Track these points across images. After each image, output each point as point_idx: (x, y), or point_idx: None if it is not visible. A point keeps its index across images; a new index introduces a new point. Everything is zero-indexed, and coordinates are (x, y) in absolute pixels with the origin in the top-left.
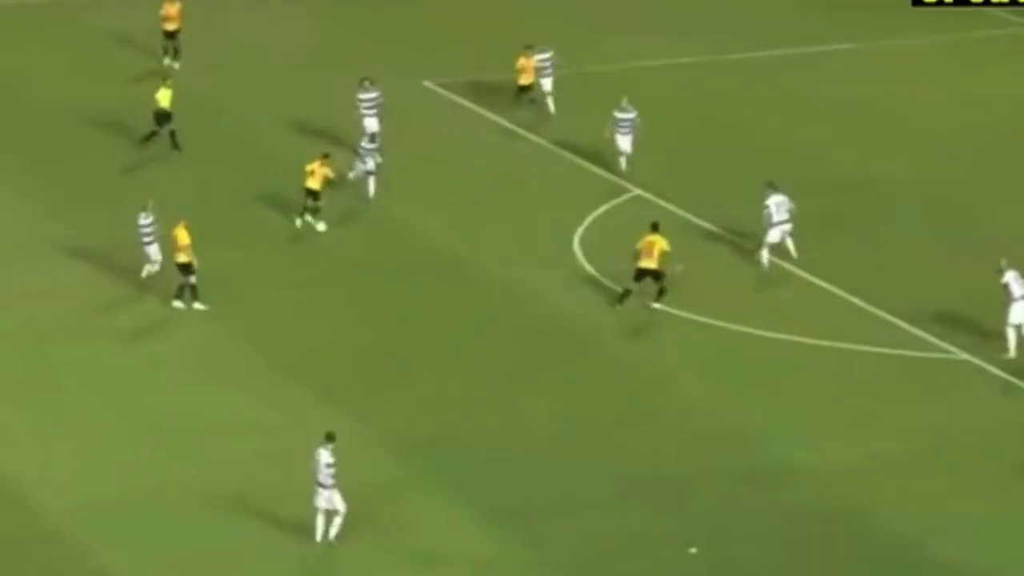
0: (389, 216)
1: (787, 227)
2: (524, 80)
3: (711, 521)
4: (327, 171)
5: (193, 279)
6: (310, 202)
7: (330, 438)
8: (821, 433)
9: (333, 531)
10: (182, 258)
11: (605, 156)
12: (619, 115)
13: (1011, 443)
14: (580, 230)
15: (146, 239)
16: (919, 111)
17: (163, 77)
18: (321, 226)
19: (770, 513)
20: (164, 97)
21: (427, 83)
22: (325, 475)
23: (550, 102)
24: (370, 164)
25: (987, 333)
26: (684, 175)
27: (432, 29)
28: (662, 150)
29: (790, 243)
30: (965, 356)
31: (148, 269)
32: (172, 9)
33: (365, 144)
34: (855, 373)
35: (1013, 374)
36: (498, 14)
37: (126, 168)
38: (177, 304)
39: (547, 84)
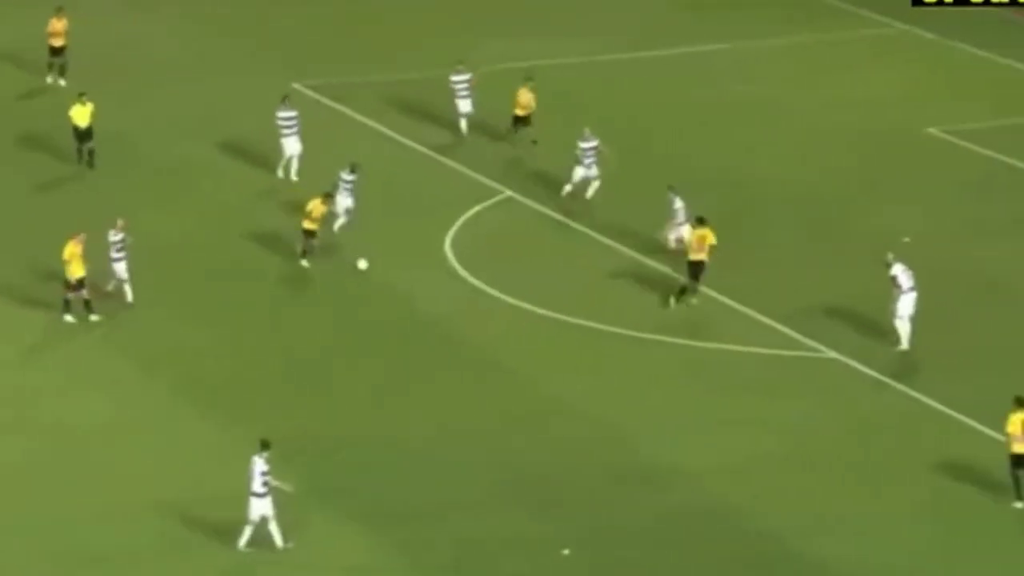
0: (256, 220)
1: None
2: (520, 111)
3: (586, 522)
4: (325, 209)
5: (85, 292)
6: (308, 242)
7: (265, 446)
8: (695, 433)
9: (278, 538)
10: (76, 272)
11: (474, 159)
12: (583, 144)
13: (881, 440)
14: (452, 232)
15: (115, 255)
16: (789, 111)
17: (78, 94)
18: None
19: (645, 513)
20: (80, 115)
21: (297, 85)
22: (258, 483)
23: (463, 124)
24: (349, 201)
25: (857, 330)
26: (557, 176)
27: (302, 31)
28: (537, 152)
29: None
30: (834, 354)
31: (114, 284)
32: (59, 25)
33: (345, 176)
34: (727, 373)
35: (881, 371)
36: (370, 17)
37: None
38: (68, 318)
39: (465, 105)
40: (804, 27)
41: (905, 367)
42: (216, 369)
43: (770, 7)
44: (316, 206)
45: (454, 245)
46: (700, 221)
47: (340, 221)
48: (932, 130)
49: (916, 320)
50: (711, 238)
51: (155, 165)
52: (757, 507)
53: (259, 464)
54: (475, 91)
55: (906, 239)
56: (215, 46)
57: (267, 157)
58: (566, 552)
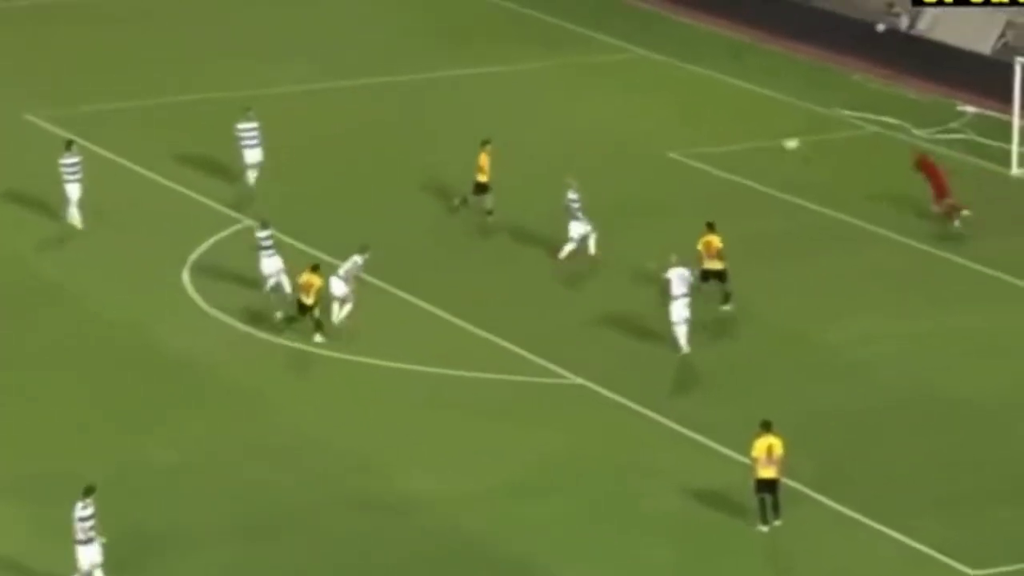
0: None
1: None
2: (482, 177)
3: (332, 554)
4: (321, 282)
5: None
6: (310, 317)
7: (88, 492)
8: (443, 461)
9: None
10: None
11: (211, 187)
12: (571, 195)
13: (628, 466)
14: (190, 262)
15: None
16: (530, 135)
17: None
18: (318, 337)
19: (394, 544)
20: None
21: (29, 116)
22: (81, 530)
23: (251, 176)
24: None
25: (603, 355)
26: (293, 206)
27: (36, 59)
28: (283, 178)
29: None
30: (580, 380)
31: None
32: None
33: (260, 233)
34: (475, 401)
35: (625, 396)
36: (100, 42)
37: None
38: None
39: (253, 155)
40: (540, 54)
41: (651, 392)
42: None
43: (502, 34)
44: (309, 278)
45: (192, 275)
46: (710, 227)
47: (271, 283)
48: (673, 154)
49: (691, 323)
50: (717, 242)
51: None
52: (506, 535)
53: (79, 510)
54: (263, 139)
55: (651, 264)
56: None
57: None
58: None
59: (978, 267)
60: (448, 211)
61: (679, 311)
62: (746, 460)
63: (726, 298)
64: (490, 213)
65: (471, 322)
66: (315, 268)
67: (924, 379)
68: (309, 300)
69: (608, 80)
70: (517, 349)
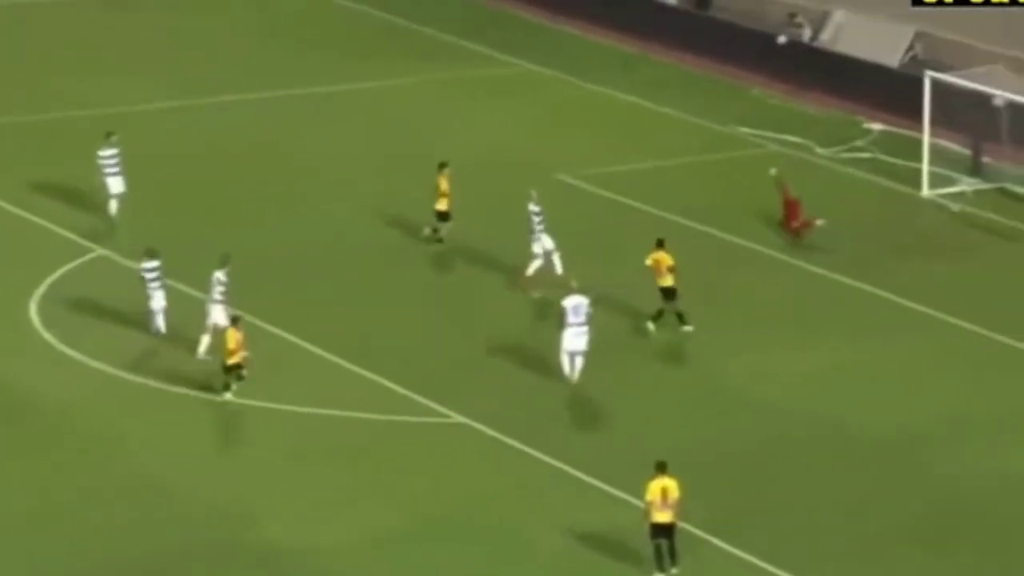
0: None
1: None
2: (443, 204)
3: None
4: (241, 335)
5: None
6: (235, 375)
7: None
8: (314, 507)
9: None
10: None
11: (61, 215)
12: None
13: (513, 509)
14: (38, 294)
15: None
16: (403, 157)
17: None
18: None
19: None
20: None
21: None
22: None
23: (114, 206)
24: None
25: (487, 391)
26: (150, 234)
27: None
28: (143, 205)
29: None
30: (462, 419)
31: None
32: None
33: (146, 264)
34: (349, 442)
35: (505, 433)
36: None
37: None
38: None
39: (116, 185)
40: (414, 67)
41: (539, 430)
42: None
43: (374, 46)
44: (232, 335)
45: (41, 308)
46: (659, 244)
47: (159, 320)
48: (561, 176)
49: (587, 356)
50: (668, 260)
51: None
52: None
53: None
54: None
55: (536, 294)
56: None
57: None
58: None
59: (887, 295)
60: (424, 240)
61: (571, 341)
62: (640, 503)
63: (681, 318)
64: (440, 241)
65: (347, 359)
66: (236, 321)
67: (830, 415)
68: (238, 359)
69: (489, 96)
70: (396, 387)
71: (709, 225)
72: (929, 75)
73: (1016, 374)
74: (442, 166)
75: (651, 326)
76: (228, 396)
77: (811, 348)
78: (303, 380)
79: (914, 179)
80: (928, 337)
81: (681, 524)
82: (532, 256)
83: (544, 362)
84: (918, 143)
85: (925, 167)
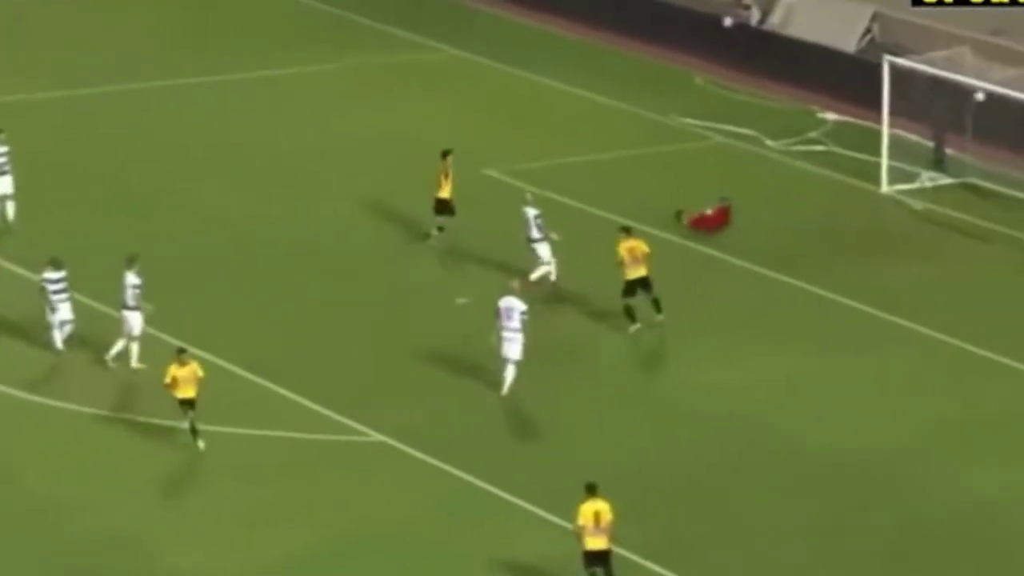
0: None
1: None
2: (445, 193)
3: None
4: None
5: None
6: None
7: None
8: (219, 532)
9: None
10: None
11: None
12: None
13: (435, 531)
14: None
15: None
16: (295, 149)
17: None
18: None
19: None
20: None
21: None
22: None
23: (11, 208)
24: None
25: (408, 407)
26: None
27: None
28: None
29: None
30: (381, 437)
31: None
32: None
33: (48, 275)
34: (262, 462)
35: (427, 452)
36: None
37: None
38: None
39: (5, 185)
40: (330, 53)
41: (462, 448)
42: None
43: (284, 31)
44: (176, 369)
45: None
46: (627, 231)
47: (66, 329)
48: (489, 171)
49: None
50: (643, 247)
51: None
52: None
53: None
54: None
55: (461, 300)
56: None
57: None
58: None
59: (846, 300)
60: (420, 239)
61: (503, 347)
62: (571, 527)
63: (657, 306)
64: (441, 229)
65: (255, 372)
66: (181, 353)
67: (787, 430)
68: (191, 393)
69: (411, 84)
70: (309, 403)
71: (648, 224)
72: (888, 60)
73: (986, 384)
74: (445, 154)
75: (633, 329)
76: (201, 445)
77: (765, 357)
78: (212, 397)
79: (873, 174)
80: (891, 346)
81: (618, 550)
82: (539, 262)
83: (475, 374)
84: (876, 134)
85: (884, 161)
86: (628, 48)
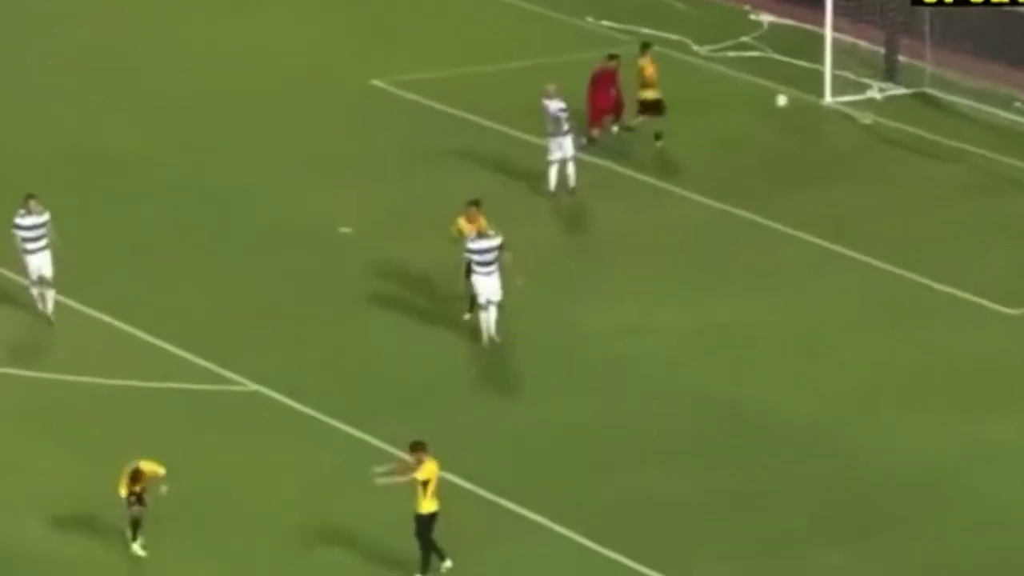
0: None
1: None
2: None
3: None
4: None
5: None
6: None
7: None
8: (68, 501)
9: None
10: None
11: None
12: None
13: (324, 489)
14: None
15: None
16: (150, 69)
17: None
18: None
19: None
20: None
21: None
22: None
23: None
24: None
25: (282, 358)
26: None
27: None
28: None
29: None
30: (256, 387)
31: None
32: None
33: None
34: (130, 414)
35: (314, 406)
36: None
37: None
38: None
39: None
40: None
41: (345, 403)
42: None
43: None
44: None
45: None
46: (644, 47)
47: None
48: (376, 81)
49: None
50: (649, 68)
51: None
52: None
53: None
54: None
55: (345, 229)
56: None
57: None
58: None
59: (784, 228)
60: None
61: (486, 287)
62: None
63: (658, 135)
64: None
65: (108, 312)
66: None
67: (717, 383)
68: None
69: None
70: (172, 348)
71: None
72: None
73: (941, 323)
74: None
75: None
76: (140, 551)
77: (683, 297)
78: (64, 342)
79: (815, 84)
80: (834, 280)
81: (516, 508)
82: (548, 162)
83: (365, 323)
84: (819, 39)
85: (828, 69)
86: None
